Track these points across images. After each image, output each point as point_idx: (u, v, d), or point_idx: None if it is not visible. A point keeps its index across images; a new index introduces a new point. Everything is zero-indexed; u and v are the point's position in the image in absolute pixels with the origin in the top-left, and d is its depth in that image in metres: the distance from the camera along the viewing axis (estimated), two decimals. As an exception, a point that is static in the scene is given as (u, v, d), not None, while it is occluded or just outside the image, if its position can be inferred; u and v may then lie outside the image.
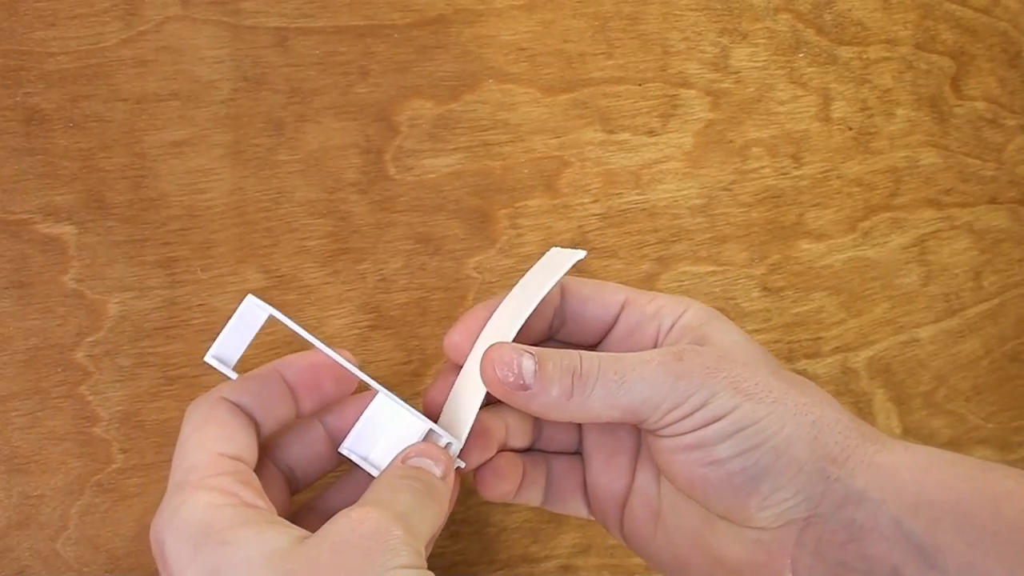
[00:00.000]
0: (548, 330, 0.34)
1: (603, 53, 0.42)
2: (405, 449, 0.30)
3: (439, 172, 0.39)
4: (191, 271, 0.36)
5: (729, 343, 0.31)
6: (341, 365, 0.30)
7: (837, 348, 0.47)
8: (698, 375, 0.29)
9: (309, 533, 0.26)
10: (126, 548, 0.34)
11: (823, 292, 0.46)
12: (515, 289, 0.32)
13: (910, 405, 0.48)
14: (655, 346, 0.32)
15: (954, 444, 0.51)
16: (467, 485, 0.39)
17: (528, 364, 0.29)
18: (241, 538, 0.25)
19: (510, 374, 0.29)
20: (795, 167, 0.46)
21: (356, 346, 0.38)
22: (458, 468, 0.31)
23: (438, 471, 0.29)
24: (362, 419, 0.31)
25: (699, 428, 0.29)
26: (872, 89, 0.48)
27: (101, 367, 0.34)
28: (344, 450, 0.31)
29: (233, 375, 0.30)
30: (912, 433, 0.48)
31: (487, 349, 0.29)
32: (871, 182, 0.48)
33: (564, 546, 0.41)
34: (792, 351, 0.46)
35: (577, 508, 0.35)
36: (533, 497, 0.34)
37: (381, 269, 0.38)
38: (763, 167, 0.45)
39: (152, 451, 0.35)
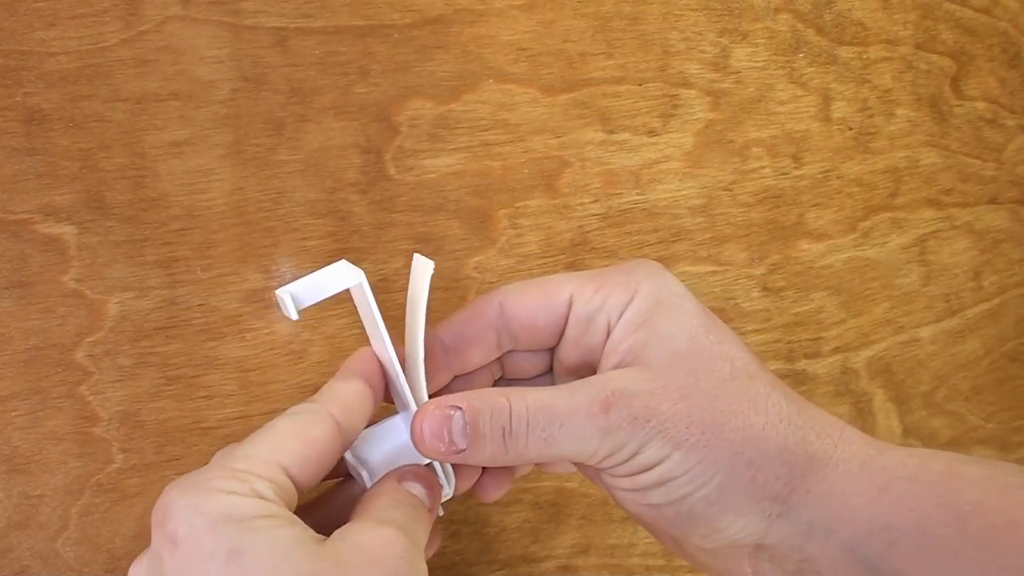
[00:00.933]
0: (498, 349, 0.33)
1: (603, 53, 0.42)
2: (408, 466, 0.30)
3: (439, 172, 0.39)
4: (191, 271, 0.36)
5: (669, 354, 0.29)
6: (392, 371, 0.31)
7: (837, 348, 0.47)
8: (625, 429, 0.28)
9: (326, 539, 0.26)
10: (126, 548, 0.34)
11: (823, 292, 0.46)
12: (406, 319, 0.32)
13: (910, 405, 0.48)
14: (607, 338, 0.31)
15: (954, 444, 0.51)
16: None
17: (458, 424, 0.29)
18: (266, 526, 0.25)
19: (441, 445, 0.29)
20: (795, 167, 0.46)
21: (356, 346, 0.38)
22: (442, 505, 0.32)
23: (427, 503, 0.29)
24: (376, 431, 0.31)
25: (632, 475, 0.29)
26: (872, 89, 0.48)
27: (101, 367, 0.34)
28: (347, 456, 0.31)
29: (295, 316, 0.29)
30: (912, 433, 0.48)
31: (416, 413, 0.30)
32: (871, 182, 0.48)
33: (564, 546, 0.41)
34: (792, 351, 0.46)
35: (566, 464, 0.34)
36: (524, 467, 0.34)
37: (381, 269, 0.38)
38: (763, 167, 0.45)
39: (152, 451, 0.35)
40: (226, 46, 0.36)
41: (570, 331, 0.32)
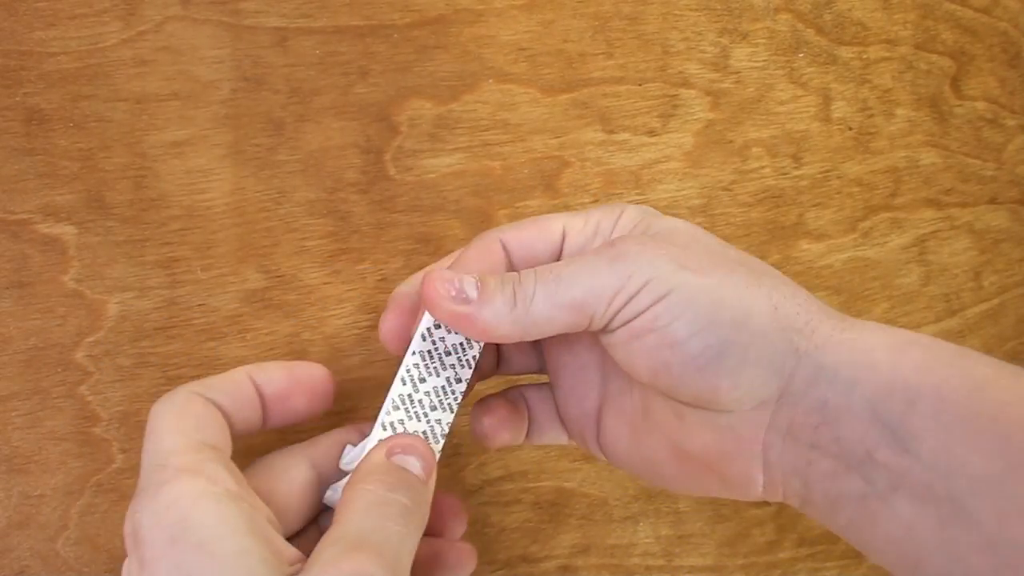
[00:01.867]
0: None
1: (603, 53, 0.42)
2: (391, 438, 0.29)
3: (439, 172, 0.39)
4: (191, 271, 0.36)
5: (668, 228, 0.30)
6: (318, 384, 0.32)
7: (837, 348, 0.47)
8: (633, 253, 0.27)
9: (293, 551, 0.26)
10: (126, 548, 0.34)
11: (823, 292, 0.46)
12: None
13: (910, 405, 0.48)
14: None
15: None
16: (467, 486, 0.39)
17: (469, 282, 0.28)
18: (219, 551, 0.24)
19: (452, 288, 0.28)
20: (795, 167, 0.46)
21: (356, 346, 0.38)
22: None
23: (421, 471, 0.28)
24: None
25: (648, 308, 0.27)
26: (872, 89, 0.48)
27: (101, 367, 0.34)
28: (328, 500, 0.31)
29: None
30: (912, 433, 0.48)
31: (427, 274, 0.29)
32: (871, 182, 0.48)
33: (564, 546, 0.41)
34: (792, 351, 0.46)
35: (557, 436, 0.34)
36: (517, 437, 0.33)
37: (381, 269, 0.38)
38: (763, 167, 0.45)
39: (152, 451, 0.35)
40: (226, 46, 0.36)
41: (567, 253, 0.32)
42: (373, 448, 0.29)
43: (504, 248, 0.31)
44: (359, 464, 0.28)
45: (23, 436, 0.33)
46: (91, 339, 0.34)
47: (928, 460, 0.25)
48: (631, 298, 0.27)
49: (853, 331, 0.28)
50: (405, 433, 0.30)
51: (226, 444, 0.29)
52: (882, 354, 0.27)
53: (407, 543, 0.26)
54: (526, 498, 0.40)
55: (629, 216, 0.31)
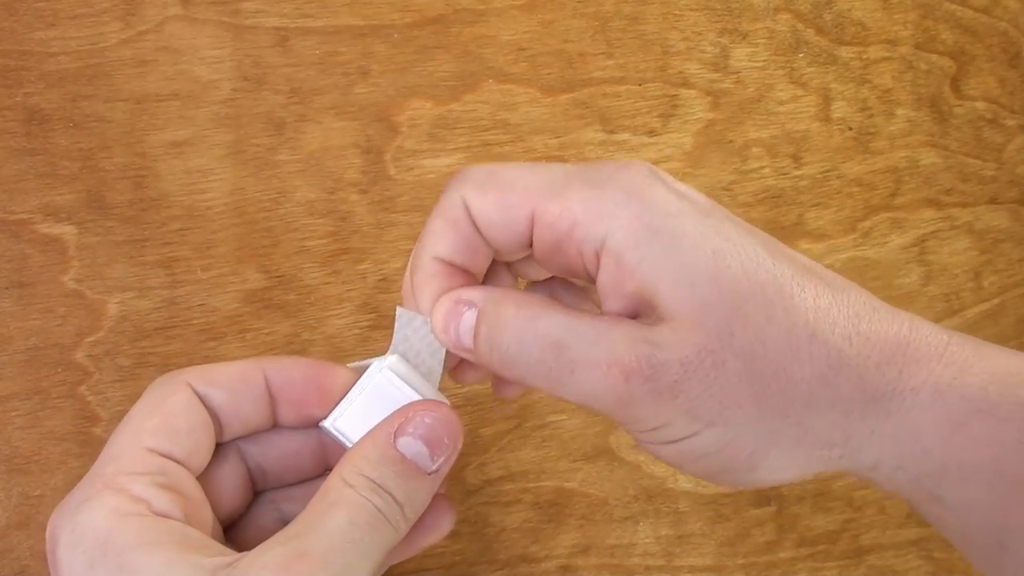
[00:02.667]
0: (486, 260, 0.28)
1: (603, 53, 0.42)
2: (404, 407, 0.26)
3: (439, 172, 0.39)
4: (191, 271, 0.36)
5: (695, 304, 0.24)
6: (339, 389, 0.28)
7: (837, 348, 0.47)
8: (646, 403, 0.24)
9: (224, 559, 0.23)
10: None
11: (823, 292, 0.46)
12: None
13: (910, 405, 0.48)
14: (584, 271, 0.26)
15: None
16: (467, 486, 0.39)
17: (467, 322, 0.26)
18: (142, 568, 0.23)
19: (447, 338, 0.26)
20: (795, 167, 0.46)
21: (356, 346, 0.38)
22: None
23: (428, 460, 0.26)
24: (358, 395, 0.28)
25: (654, 444, 0.25)
26: (872, 89, 0.48)
27: (101, 367, 0.34)
28: (328, 425, 0.28)
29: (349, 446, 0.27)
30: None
31: (437, 304, 0.26)
32: (871, 182, 0.48)
33: (564, 546, 0.41)
34: (792, 351, 0.46)
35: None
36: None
37: (381, 269, 0.38)
38: (763, 167, 0.45)
39: (152, 451, 0.35)
40: (226, 46, 0.36)
41: (538, 250, 0.26)
42: (383, 422, 0.26)
43: (470, 217, 0.26)
44: (360, 440, 0.26)
45: (23, 436, 0.33)
46: (91, 339, 0.34)
47: (978, 521, 0.24)
48: (639, 432, 0.25)
49: (899, 414, 0.24)
50: (425, 402, 0.27)
51: (193, 453, 0.26)
52: (932, 437, 0.24)
53: (369, 554, 0.24)
54: (526, 498, 0.40)
55: (621, 240, 0.24)
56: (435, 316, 0.26)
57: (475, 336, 0.26)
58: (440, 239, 0.26)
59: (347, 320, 0.38)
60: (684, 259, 0.24)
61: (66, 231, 0.34)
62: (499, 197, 0.26)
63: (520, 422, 0.40)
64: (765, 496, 0.43)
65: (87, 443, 0.34)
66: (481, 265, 0.28)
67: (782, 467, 0.25)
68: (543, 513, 0.40)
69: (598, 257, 0.25)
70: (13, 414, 0.33)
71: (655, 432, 0.24)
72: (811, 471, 0.25)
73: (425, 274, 0.27)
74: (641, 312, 0.25)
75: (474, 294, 0.26)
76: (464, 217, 0.26)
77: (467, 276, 0.27)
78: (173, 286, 0.35)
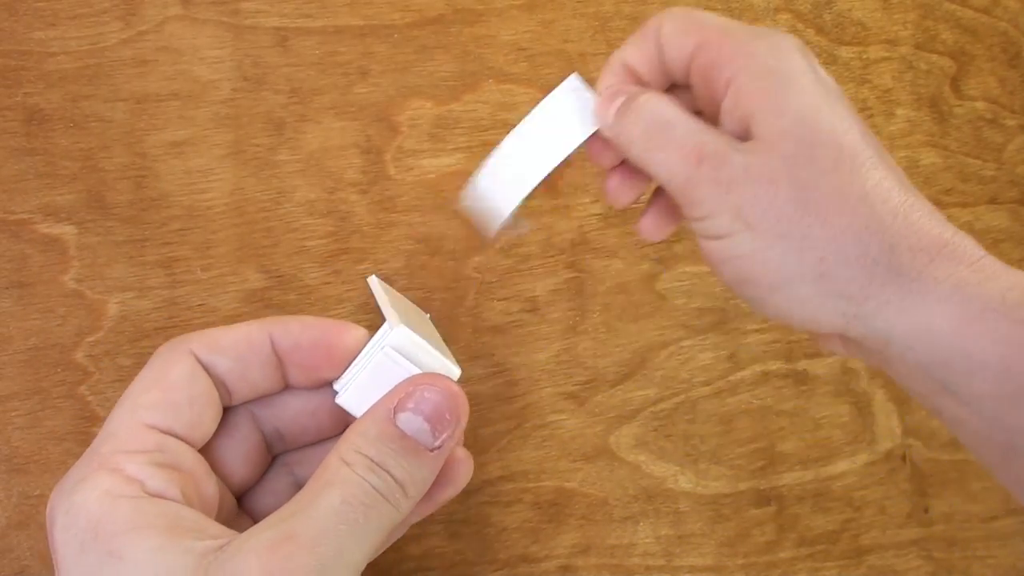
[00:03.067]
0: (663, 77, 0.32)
1: (603, 53, 0.42)
2: (405, 382, 0.26)
3: (439, 172, 0.39)
4: (191, 271, 0.36)
5: (777, 131, 0.27)
6: (352, 348, 0.27)
7: (837, 348, 0.47)
8: (705, 188, 0.27)
9: (216, 542, 0.23)
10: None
11: (823, 292, 0.46)
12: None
13: (910, 404, 0.48)
14: (718, 96, 0.29)
15: (956, 443, 0.51)
16: (467, 486, 0.39)
17: (616, 103, 0.29)
18: (131, 553, 0.23)
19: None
20: (795, 167, 0.46)
21: (356, 346, 0.38)
22: None
23: (432, 438, 0.25)
24: (363, 369, 0.27)
25: (701, 238, 0.28)
26: (872, 89, 0.48)
27: (101, 367, 0.34)
28: (341, 401, 0.27)
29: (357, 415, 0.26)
30: (912, 433, 0.48)
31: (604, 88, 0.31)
32: (871, 182, 0.48)
33: (564, 546, 0.41)
34: (792, 351, 0.45)
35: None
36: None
37: (381, 269, 0.38)
38: (763, 167, 0.45)
39: (152, 451, 0.35)
40: (226, 46, 0.36)
41: (695, 72, 0.30)
42: (383, 398, 0.26)
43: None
44: (360, 418, 0.25)
45: (23, 436, 0.33)
46: (91, 339, 0.34)
47: (990, 417, 0.25)
48: (692, 218, 0.28)
49: (914, 296, 0.26)
50: (426, 375, 0.26)
51: (196, 426, 0.26)
52: (944, 324, 0.26)
53: (365, 536, 0.24)
54: (526, 498, 0.40)
55: (750, 77, 0.28)
56: (599, 96, 0.30)
57: (617, 112, 0.29)
58: (628, 47, 0.31)
59: (348, 320, 0.38)
60: (785, 97, 0.27)
61: (66, 231, 0.34)
62: (679, 26, 0.30)
63: (520, 422, 0.40)
64: (765, 496, 0.43)
65: (87, 443, 0.34)
66: (657, 81, 0.31)
67: (799, 300, 0.27)
68: (543, 513, 0.40)
69: (728, 85, 0.28)
70: (13, 414, 0.33)
71: (704, 223, 0.27)
72: (825, 320, 0.27)
73: (610, 69, 0.31)
74: (744, 137, 0.28)
75: (630, 87, 0.30)
76: (654, 37, 0.31)
77: (642, 84, 0.31)
78: (173, 286, 0.35)
